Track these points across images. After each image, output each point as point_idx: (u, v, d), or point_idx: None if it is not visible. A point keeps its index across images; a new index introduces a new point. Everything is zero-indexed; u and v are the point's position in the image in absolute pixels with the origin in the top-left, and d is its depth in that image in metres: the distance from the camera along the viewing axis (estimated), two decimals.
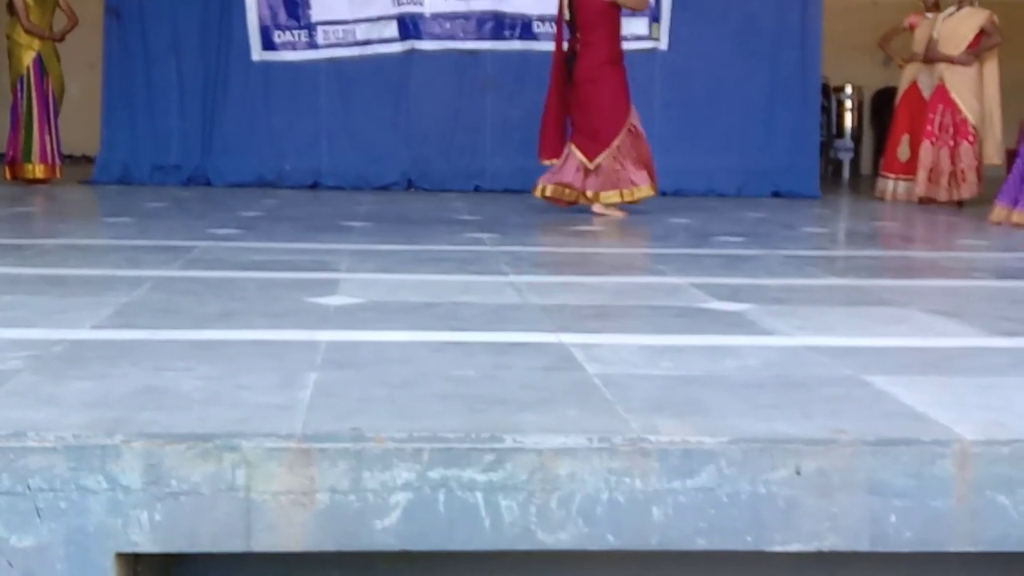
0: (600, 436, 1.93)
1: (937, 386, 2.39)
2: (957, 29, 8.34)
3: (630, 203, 6.90)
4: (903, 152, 8.83)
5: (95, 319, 3.02)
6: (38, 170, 8.52)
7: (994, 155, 8.32)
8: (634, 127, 6.88)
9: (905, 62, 9.02)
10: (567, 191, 6.89)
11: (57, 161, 8.63)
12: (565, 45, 7.07)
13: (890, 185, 8.99)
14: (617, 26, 6.99)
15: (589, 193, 6.83)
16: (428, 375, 2.42)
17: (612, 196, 6.81)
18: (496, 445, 1.90)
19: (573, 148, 6.86)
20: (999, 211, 6.71)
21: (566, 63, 6.94)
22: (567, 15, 6.86)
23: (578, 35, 6.87)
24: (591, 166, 6.77)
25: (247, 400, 2.14)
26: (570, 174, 6.86)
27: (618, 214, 6.81)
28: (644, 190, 6.83)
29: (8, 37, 8.56)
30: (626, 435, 1.94)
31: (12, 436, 1.85)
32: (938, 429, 2.03)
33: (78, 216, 6.94)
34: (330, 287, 3.69)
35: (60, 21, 8.70)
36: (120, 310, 3.18)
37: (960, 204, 8.25)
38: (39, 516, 1.83)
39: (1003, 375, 2.57)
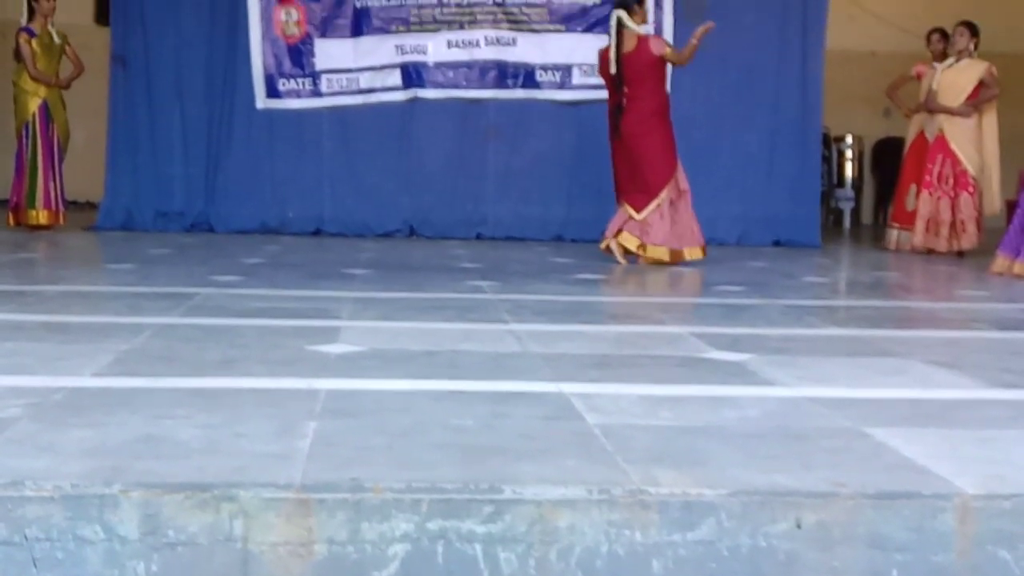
0: (600, 487, 1.92)
1: (937, 438, 2.38)
2: (956, 80, 8.39)
3: (642, 258, 6.85)
4: (910, 202, 8.84)
5: (95, 366, 3.02)
6: (42, 216, 8.55)
7: (993, 206, 8.34)
8: (679, 184, 6.89)
9: (912, 112, 9.05)
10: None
11: (61, 207, 8.66)
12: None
13: (895, 235, 8.99)
14: (664, 79, 7.07)
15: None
16: (427, 424, 2.41)
17: (631, 241, 6.82)
18: (495, 496, 1.89)
19: (624, 205, 6.87)
20: (1001, 262, 6.72)
21: (613, 117, 6.95)
22: (613, 69, 6.87)
23: (625, 89, 6.86)
24: (638, 218, 6.78)
25: (246, 449, 2.14)
26: (616, 225, 6.89)
27: (621, 260, 6.82)
28: (660, 252, 6.79)
29: (14, 84, 8.62)
30: (626, 487, 1.94)
31: (10, 485, 1.84)
32: (939, 483, 2.02)
33: (80, 262, 6.95)
34: (331, 335, 3.69)
35: (67, 68, 8.77)
36: (120, 357, 3.18)
37: (961, 254, 8.26)
38: (35, 567, 1.82)
39: (1004, 428, 2.56)
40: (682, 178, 6.95)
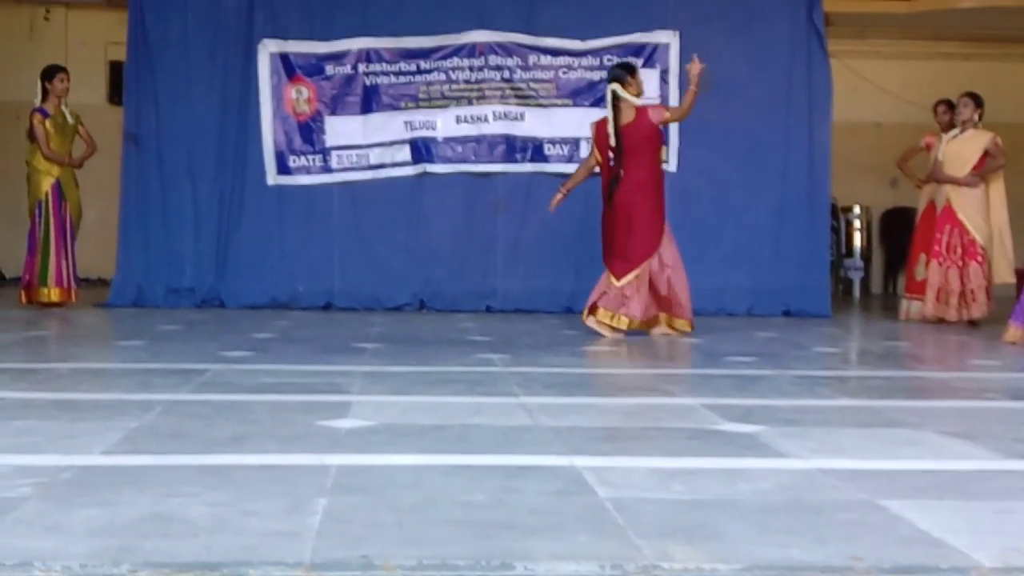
0: (612, 563, 1.91)
1: (953, 510, 2.36)
2: (962, 151, 8.44)
3: (615, 328, 6.86)
4: (919, 272, 8.86)
5: (104, 444, 3.01)
6: (53, 294, 8.59)
7: (1007, 275, 8.34)
8: (663, 259, 6.90)
9: (923, 183, 9.09)
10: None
11: (72, 285, 8.70)
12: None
13: (906, 305, 8.99)
14: (660, 149, 7.15)
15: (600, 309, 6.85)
16: (438, 500, 2.40)
17: (605, 315, 6.83)
18: (507, 573, 1.87)
19: (607, 270, 6.90)
20: (1013, 331, 6.71)
21: (609, 188, 7.00)
22: (613, 141, 6.93)
23: (622, 160, 6.93)
24: (617, 285, 6.80)
25: (255, 527, 2.12)
26: (596, 295, 6.90)
27: (607, 333, 6.81)
28: (631, 324, 6.79)
29: (28, 163, 8.72)
30: (639, 562, 1.92)
31: (19, 566, 1.83)
32: (955, 556, 2.00)
33: (91, 339, 6.97)
34: (341, 410, 3.68)
35: (80, 148, 8.86)
36: (130, 435, 3.17)
37: (972, 324, 8.24)
38: None
39: (1019, 499, 2.54)
40: (669, 252, 6.95)
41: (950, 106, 9.05)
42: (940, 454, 3.11)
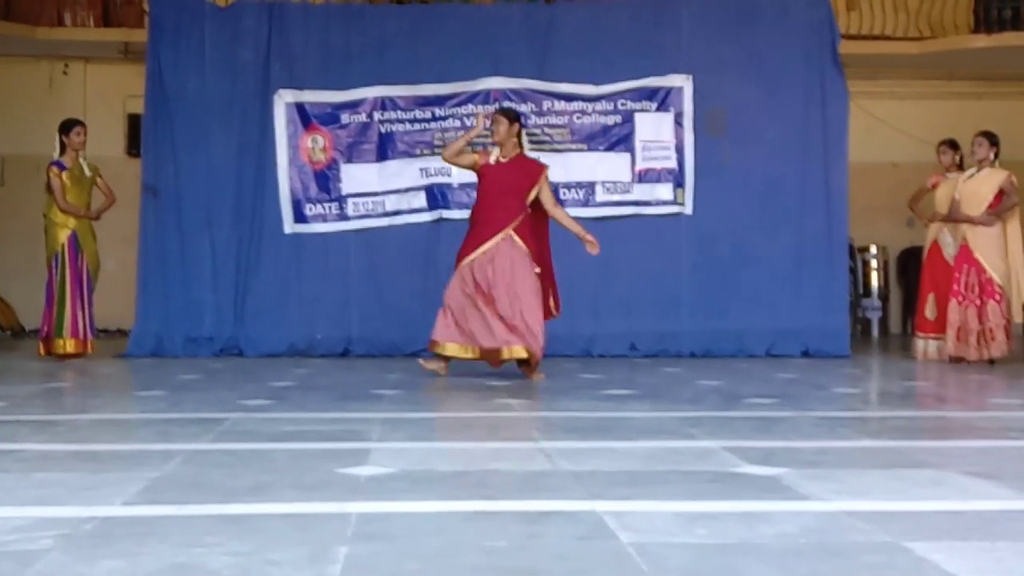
0: None
1: (979, 551, 2.34)
2: (978, 190, 8.44)
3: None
4: (930, 311, 8.85)
5: (125, 495, 3.01)
6: (69, 345, 8.62)
7: (1017, 312, 8.29)
8: (478, 282, 7.04)
9: (929, 222, 9.11)
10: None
11: (89, 336, 8.73)
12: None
13: (921, 344, 8.97)
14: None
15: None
16: (460, 546, 2.39)
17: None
18: None
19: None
20: None
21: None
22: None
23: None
24: None
25: None
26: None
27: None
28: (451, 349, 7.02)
29: (45, 216, 8.79)
30: None
31: None
32: None
33: (110, 390, 6.99)
34: (361, 457, 3.67)
35: (98, 199, 8.93)
36: (150, 485, 3.17)
37: (992, 362, 8.19)
38: None
39: None
40: (483, 275, 7.02)
41: (952, 146, 9.09)
42: (964, 494, 3.08)
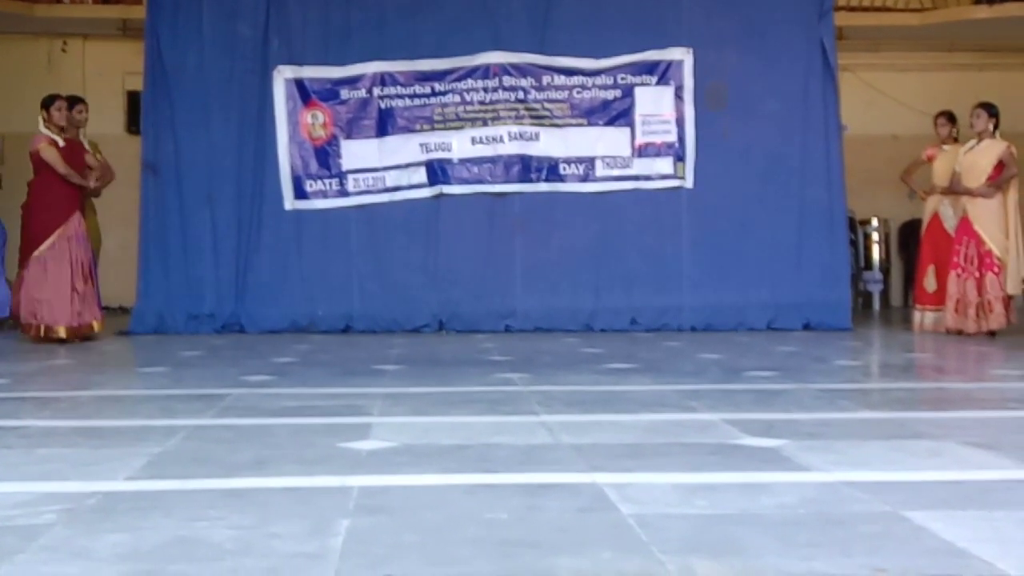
0: None
1: (978, 520, 2.35)
2: (977, 162, 8.42)
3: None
4: (929, 283, 8.86)
5: (129, 470, 3.02)
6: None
7: (1012, 286, 8.26)
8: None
9: (926, 195, 9.10)
10: None
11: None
12: None
13: (918, 316, 8.98)
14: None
15: None
16: (460, 519, 2.40)
17: None
18: None
19: None
20: None
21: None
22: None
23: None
24: None
25: (279, 549, 2.13)
26: None
27: None
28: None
29: None
30: None
31: None
32: (981, 566, 1.99)
33: (113, 367, 7.00)
34: (362, 431, 3.69)
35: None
36: (153, 460, 3.19)
37: (991, 334, 8.20)
38: None
39: None
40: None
41: (949, 118, 9.08)
42: (963, 465, 3.09)
